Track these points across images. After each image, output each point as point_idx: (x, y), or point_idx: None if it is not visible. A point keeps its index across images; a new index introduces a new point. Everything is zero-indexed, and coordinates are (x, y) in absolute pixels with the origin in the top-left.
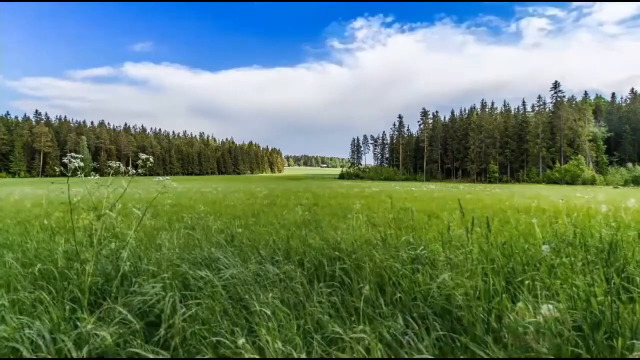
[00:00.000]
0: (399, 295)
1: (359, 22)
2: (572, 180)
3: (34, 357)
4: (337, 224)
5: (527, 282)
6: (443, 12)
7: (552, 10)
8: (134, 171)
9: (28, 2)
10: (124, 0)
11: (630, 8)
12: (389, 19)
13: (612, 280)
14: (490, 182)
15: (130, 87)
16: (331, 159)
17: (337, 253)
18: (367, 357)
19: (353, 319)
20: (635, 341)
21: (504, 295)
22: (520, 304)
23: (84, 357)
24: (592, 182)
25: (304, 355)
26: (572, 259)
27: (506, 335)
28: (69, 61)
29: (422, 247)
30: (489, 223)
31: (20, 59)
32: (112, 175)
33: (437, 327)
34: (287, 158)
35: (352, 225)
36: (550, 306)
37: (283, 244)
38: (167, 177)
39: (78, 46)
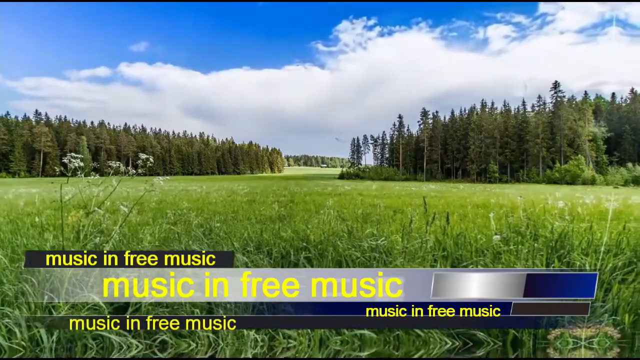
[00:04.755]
0: None
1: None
2: (572, 180)
3: (34, 358)
4: (309, 219)
5: (470, 266)
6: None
7: (518, 17)
8: (134, 171)
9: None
10: (124, 0)
11: (591, 17)
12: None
13: (552, 265)
14: (490, 182)
15: (130, 87)
16: (331, 159)
17: (304, 244)
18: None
19: None
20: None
21: None
22: None
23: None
24: (592, 182)
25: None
26: (519, 247)
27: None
28: (68, 61)
29: (383, 238)
30: (449, 217)
31: (20, 59)
32: (112, 175)
33: None
34: (287, 158)
35: (322, 220)
36: None
37: (256, 237)
38: (167, 177)
39: (78, 46)
